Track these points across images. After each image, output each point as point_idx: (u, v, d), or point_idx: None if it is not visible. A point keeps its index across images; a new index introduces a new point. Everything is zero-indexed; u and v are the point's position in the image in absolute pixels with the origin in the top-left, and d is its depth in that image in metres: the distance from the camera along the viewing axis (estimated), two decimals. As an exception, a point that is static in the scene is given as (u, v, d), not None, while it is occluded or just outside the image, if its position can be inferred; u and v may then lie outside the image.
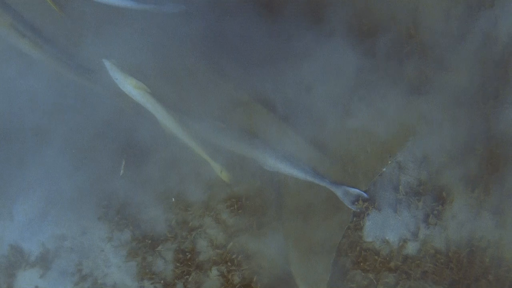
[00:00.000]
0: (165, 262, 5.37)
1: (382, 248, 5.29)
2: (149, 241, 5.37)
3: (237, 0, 5.61)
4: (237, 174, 5.41)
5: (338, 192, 5.24)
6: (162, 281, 5.32)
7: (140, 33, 5.41)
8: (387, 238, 5.29)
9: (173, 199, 5.44)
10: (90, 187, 5.51)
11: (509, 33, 5.40)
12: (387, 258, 5.26)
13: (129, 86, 5.23)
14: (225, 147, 5.37)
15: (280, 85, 5.48)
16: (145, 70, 5.33)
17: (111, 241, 5.40)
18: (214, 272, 5.32)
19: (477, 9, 5.52)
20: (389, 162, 5.38)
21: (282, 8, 5.63)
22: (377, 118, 5.32)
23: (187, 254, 5.35)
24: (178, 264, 5.33)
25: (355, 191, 5.25)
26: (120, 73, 5.23)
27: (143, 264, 5.34)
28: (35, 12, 5.35)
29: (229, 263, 5.30)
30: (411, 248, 5.29)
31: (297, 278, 5.28)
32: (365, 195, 5.27)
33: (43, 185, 5.52)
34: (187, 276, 5.31)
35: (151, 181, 5.49)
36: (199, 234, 5.40)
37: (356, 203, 5.25)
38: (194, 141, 5.24)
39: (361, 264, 5.23)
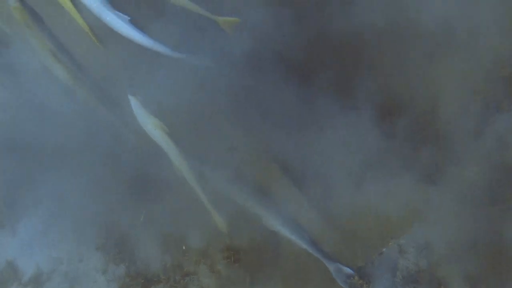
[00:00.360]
0: (154, 303, 5.38)
1: (372, 329, 5.23)
2: (142, 280, 5.39)
3: (270, 61, 5.75)
4: (239, 227, 5.43)
5: (331, 267, 5.22)
6: (147, 323, 5.33)
7: (170, 77, 5.59)
8: (378, 319, 5.24)
9: (184, 247, 5.45)
10: (95, 215, 5.58)
11: (524, 141, 5.46)
12: None
13: (150, 125, 5.40)
14: (231, 198, 5.43)
15: (298, 148, 5.56)
16: (168, 112, 5.47)
17: (105, 273, 5.43)
18: (199, 322, 5.31)
19: (494, 111, 5.59)
20: (390, 243, 5.35)
21: (312, 75, 5.77)
22: (385, 197, 5.36)
23: (177, 299, 5.36)
24: (166, 309, 5.34)
25: (348, 270, 5.21)
26: (143, 110, 5.41)
27: (132, 302, 5.37)
28: (74, 41, 5.62)
29: (215, 316, 5.29)
30: (401, 334, 5.22)
31: None
32: (355, 275, 5.24)
33: (50, 206, 5.61)
34: (173, 322, 5.31)
35: (154, 220, 5.54)
36: (192, 281, 5.40)
37: (349, 280, 5.21)
38: (202, 187, 5.31)
39: None
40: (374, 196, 5.36)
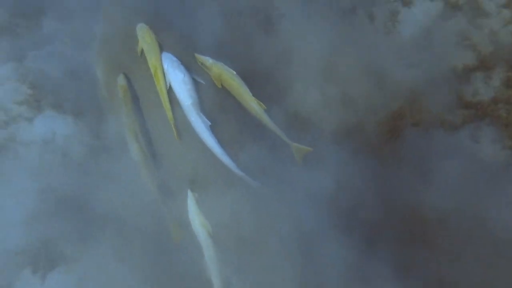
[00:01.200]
0: None
1: None
2: None
3: (334, 207, 5.78)
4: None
5: None
6: None
7: (232, 189, 5.75)
8: None
9: None
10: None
11: None
12: None
13: (197, 221, 5.63)
14: None
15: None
16: (218, 217, 5.64)
17: None
18: None
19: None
20: None
21: (370, 237, 5.76)
22: None
23: None
24: None
25: None
26: (196, 207, 5.66)
27: None
28: (158, 129, 5.97)
29: None
30: None
31: None
32: None
33: (85, 268, 5.85)
34: None
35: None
36: None
37: None
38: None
39: None
40: None
